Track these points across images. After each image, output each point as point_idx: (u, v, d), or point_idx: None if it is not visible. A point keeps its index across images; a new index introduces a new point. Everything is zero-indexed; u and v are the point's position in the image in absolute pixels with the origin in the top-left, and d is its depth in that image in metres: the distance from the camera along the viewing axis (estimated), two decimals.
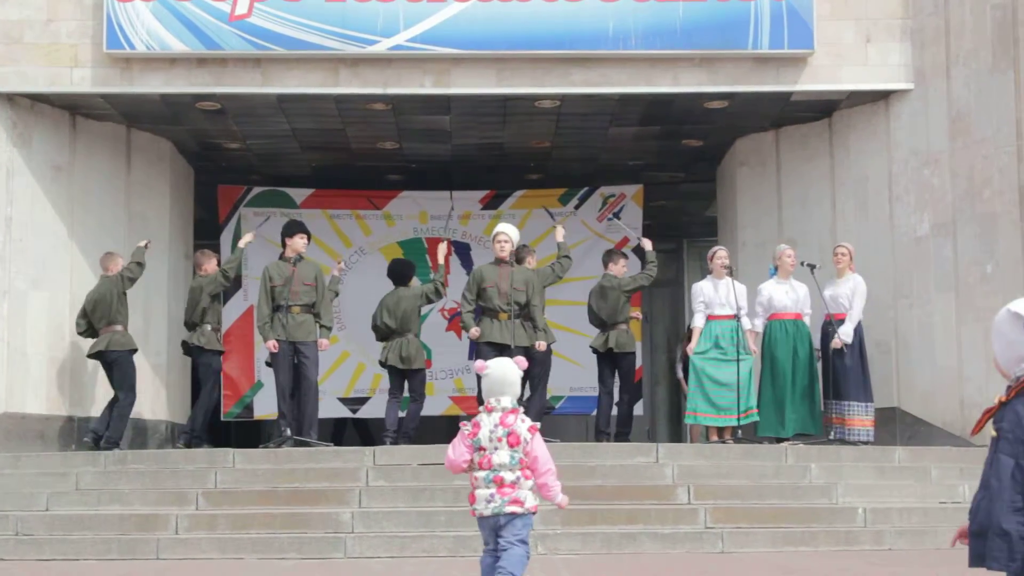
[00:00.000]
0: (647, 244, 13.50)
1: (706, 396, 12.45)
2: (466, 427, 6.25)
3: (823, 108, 14.18)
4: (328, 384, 15.84)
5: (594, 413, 13.97)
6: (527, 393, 13.19)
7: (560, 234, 13.32)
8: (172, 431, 15.01)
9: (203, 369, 13.35)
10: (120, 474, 11.29)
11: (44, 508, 10.68)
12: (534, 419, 6.68)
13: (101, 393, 13.54)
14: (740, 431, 12.42)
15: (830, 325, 12.45)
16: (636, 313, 14.34)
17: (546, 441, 6.34)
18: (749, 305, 12.65)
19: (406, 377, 13.20)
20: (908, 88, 13.47)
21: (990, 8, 12.84)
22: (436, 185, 17.27)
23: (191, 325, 13.33)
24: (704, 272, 13.06)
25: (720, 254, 12.86)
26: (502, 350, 12.34)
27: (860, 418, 12.41)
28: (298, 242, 12.50)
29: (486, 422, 6.16)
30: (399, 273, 13.55)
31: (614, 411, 13.61)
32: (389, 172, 17.20)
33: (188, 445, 12.90)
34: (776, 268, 12.82)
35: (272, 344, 12.26)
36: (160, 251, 14.96)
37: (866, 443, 12.29)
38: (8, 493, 10.86)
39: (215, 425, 15.26)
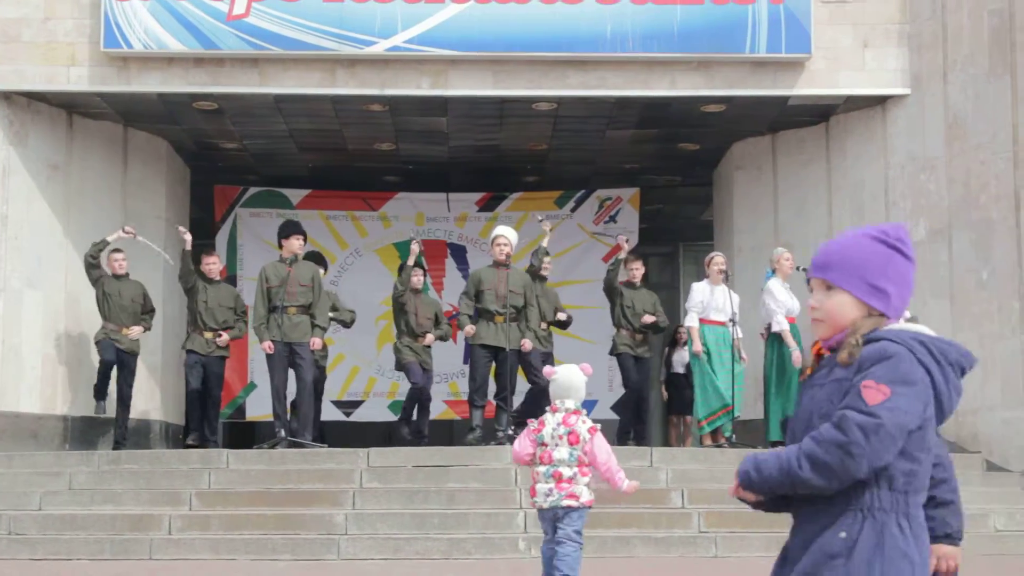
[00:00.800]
0: (623, 242, 13.52)
1: (709, 399, 12.43)
2: (532, 423, 6.95)
3: (820, 113, 14.18)
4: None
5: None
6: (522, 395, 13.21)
7: (546, 240, 13.26)
8: (167, 431, 14.99)
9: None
10: (114, 474, 11.27)
11: (37, 507, 10.66)
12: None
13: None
14: (734, 435, 12.41)
15: None
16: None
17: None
18: (766, 305, 12.56)
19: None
20: (905, 93, 13.47)
21: (987, 13, 12.85)
22: (433, 187, 17.26)
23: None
24: (700, 277, 13.04)
25: (717, 260, 12.84)
26: (496, 353, 12.39)
27: None
28: (294, 243, 12.48)
29: (550, 420, 6.84)
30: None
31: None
32: (386, 173, 17.18)
33: (201, 444, 12.89)
34: (773, 271, 12.80)
35: (268, 345, 12.24)
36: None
37: None
38: (1, 492, 10.84)
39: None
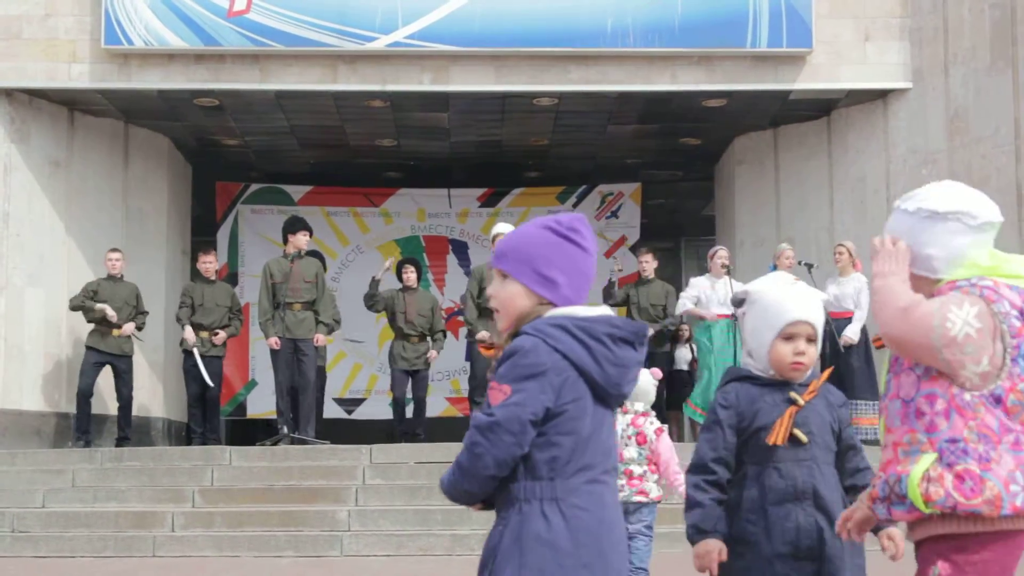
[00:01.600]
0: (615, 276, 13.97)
1: (707, 391, 12.43)
2: None
3: (821, 107, 14.17)
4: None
5: None
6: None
7: None
8: (169, 428, 14.99)
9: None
10: (116, 471, 11.27)
11: (40, 505, 10.66)
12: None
13: (99, 391, 13.50)
14: None
15: (833, 324, 12.42)
16: None
17: None
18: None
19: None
20: (906, 87, 13.46)
21: (988, 7, 12.83)
22: (434, 183, 17.25)
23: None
24: (702, 271, 13.04)
25: (721, 253, 12.85)
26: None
27: (868, 417, 12.39)
28: (300, 239, 12.45)
29: (620, 421, 6.89)
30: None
31: None
32: (387, 169, 17.18)
33: (205, 442, 12.89)
34: (776, 266, 12.80)
35: (274, 341, 12.21)
36: (158, 248, 14.96)
37: (874, 442, 12.27)
38: (4, 490, 10.83)
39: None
